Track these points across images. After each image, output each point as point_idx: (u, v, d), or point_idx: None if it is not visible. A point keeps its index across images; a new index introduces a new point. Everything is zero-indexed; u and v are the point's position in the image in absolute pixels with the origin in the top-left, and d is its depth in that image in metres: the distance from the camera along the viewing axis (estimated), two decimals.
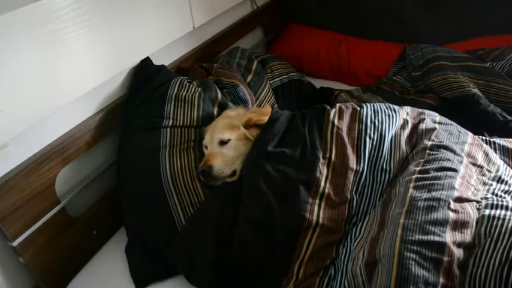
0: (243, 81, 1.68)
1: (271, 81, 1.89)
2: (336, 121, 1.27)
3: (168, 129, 1.35)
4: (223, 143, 1.28)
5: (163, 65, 1.56)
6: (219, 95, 1.51)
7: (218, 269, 1.08)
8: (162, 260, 1.19)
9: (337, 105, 1.35)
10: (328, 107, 1.34)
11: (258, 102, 1.72)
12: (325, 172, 1.17)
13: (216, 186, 1.25)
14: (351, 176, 1.18)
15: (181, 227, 1.20)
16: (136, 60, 1.48)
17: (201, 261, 1.11)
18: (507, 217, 0.95)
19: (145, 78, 1.47)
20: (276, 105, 1.82)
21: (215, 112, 1.46)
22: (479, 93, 1.63)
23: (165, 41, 1.58)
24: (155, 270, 1.20)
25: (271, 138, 1.25)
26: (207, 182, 1.24)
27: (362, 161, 1.21)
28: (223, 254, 1.09)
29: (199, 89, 1.48)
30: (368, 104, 1.35)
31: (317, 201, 1.12)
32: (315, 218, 1.09)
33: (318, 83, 2.04)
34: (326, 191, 1.14)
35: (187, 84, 1.47)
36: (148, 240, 1.24)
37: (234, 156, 1.27)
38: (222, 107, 1.49)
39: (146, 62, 1.50)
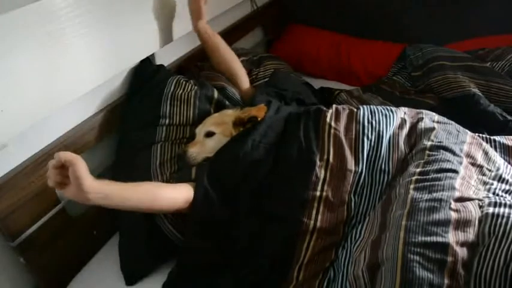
0: (227, 82, 1.67)
1: None
2: (332, 123, 1.26)
3: (164, 127, 1.37)
4: (209, 135, 1.31)
5: (161, 65, 1.56)
6: (216, 94, 1.51)
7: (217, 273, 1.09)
8: (150, 252, 1.21)
9: (333, 106, 1.34)
10: (325, 108, 1.32)
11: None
12: (322, 175, 1.16)
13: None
14: (350, 178, 1.17)
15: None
16: (136, 60, 1.47)
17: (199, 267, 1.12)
18: (511, 215, 0.94)
19: (145, 78, 1.47)
20: None
21: (212, 111, 1.47)
22: (479, 93, 1.62)
23: (165, 41, 1.58)
24: (144, 264, 1.22)
25: (263, 131, 1.26)
26: (179, 162, 1.29)
27: (360, 162, 1.20)
28: (221, 258, 1.10)
29: (196, 87, 1.48)
30: (364, 106, 1.34)
31: (315, 204, 1.12)
32: (312, 221, 1.09)
33: (318, 83, 2.03)
34: (324, 193, 1.13)
35: (184, 82, 1.48)
36: (134, 232, 1.24)
37: (213, 148, 1.29)
38: (219, 106, 1.50)
39: (145, 62, 1.50)
